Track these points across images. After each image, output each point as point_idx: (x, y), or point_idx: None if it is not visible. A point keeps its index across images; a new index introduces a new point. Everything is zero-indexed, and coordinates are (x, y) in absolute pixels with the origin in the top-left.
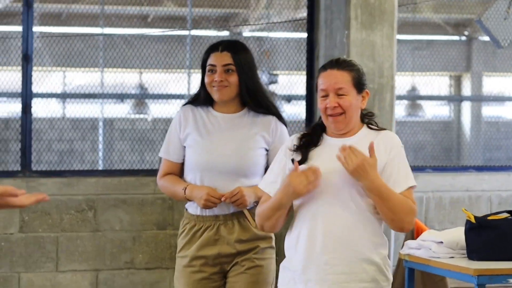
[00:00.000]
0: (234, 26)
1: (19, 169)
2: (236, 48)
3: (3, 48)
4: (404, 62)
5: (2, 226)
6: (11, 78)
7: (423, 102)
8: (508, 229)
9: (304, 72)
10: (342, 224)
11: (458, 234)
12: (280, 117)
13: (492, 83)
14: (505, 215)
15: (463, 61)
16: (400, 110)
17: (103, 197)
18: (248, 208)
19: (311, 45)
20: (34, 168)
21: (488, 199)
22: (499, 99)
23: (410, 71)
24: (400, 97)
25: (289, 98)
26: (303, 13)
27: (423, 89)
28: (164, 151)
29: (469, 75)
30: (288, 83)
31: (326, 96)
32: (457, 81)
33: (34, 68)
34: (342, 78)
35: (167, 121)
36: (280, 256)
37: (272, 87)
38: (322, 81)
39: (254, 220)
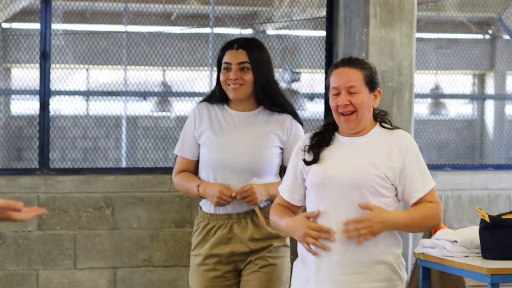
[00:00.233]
0: (256, 24)
1: (37, 166)
2: (251, 46)
3: (26, 45)
4: (428, 61)
5: (20, 224)
6: (33, 75)
7: (446, 101)
8: None
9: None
10: None
11: (472, 233)
12: (295, 116)
13: None
14: None
15: (486, 60)
16: (423, 108)
17: (121, 195)
18: (261, 206)
19: (330, 43)
20: (52, 166)
21: (507, 197)
22: None
23: (433, 69)
24: (423, 96)
25: (311, 96)
26: (325, 11)
27: (447, 87)
28: (179, 148)
29: (493, 74)
30: (311, 81)
31: (338, 94)
32: (481, 79)
33: (57, 65)
34: (354, 76)
35: None
36: (296, 254)
37: (294, 85)
38: (334, 79)
39: (266, 218)
